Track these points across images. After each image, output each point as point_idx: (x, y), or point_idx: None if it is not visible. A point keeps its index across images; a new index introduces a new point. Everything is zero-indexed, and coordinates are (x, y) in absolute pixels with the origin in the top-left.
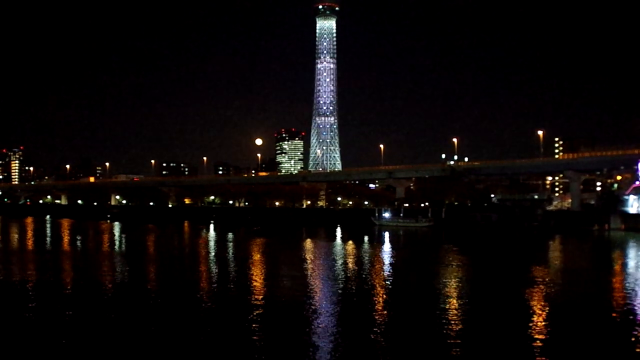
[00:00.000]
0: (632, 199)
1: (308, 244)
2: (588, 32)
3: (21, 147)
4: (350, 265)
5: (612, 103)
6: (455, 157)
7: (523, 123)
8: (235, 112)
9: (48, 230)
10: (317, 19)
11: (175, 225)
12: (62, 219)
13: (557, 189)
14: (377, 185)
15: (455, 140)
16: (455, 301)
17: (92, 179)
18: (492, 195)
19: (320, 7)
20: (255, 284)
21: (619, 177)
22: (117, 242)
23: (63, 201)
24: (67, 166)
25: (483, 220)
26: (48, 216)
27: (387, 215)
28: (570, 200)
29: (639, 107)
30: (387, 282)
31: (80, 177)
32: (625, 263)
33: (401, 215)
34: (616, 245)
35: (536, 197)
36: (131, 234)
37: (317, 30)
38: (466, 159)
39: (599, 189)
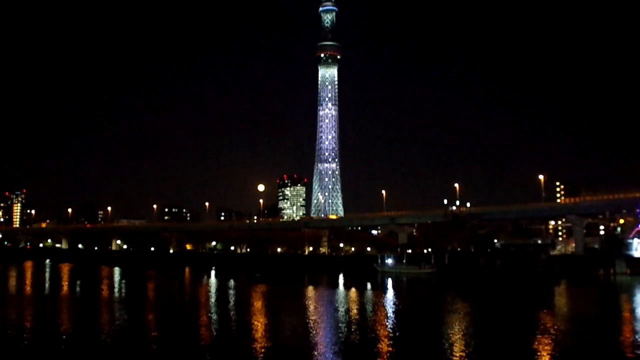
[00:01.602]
0: (636, 242)
1: (310, 291)
2: (588, 77)
3: (23, 191)
4: (353, 313)
5: (612, 146)
6: (457, 203)
7: (524, 168)
8: (238, 158)
9: (47, 275)
10: (319, 67)
11: (176, 271)
12: (62, 263)
13: (560, 233)
14: (379, 231)
15: (456, 185)
16: (461, 351)
17: (88, 225)
18: (495, 241)
19: (322, 55)
20: (256, 332)
21: (621, 221)
22: (117, 288)
23: (64, 245)
24: (69, 210)
25: (487, 266)
26: (48, 260)
27: (389, 261)
28: (573, 245)
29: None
30: (390, 331)
31: (82, 221)
32: (634, 309)
33: (404, 261)
34: (623, 290)
35: (539, 241)
36: (131, 280)
37: (319, 78)
38: (468, 205)
39: (602, 232)
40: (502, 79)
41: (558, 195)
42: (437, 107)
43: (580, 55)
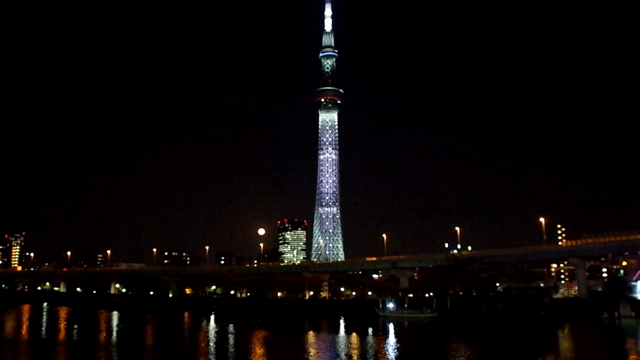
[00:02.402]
0: (639, 285)
1: (311, 336)
2: (589, 121)
3: (23, 233)
4: None
5: (613, 189)
6: (458, 246)
7: (525, 210)
8: (238, 202)
9: (44, 319)
10: (319, 112)
11: (176, 315)
12: (60, 307)
13: (562, 276)
14: (380, 275)
15: (457, 229)
16: None
17: (87, 268)
18: (497, 284)
19: (322, 100)
20: None
21: (624, 263)
22: (114, 333)
23: (62, 289)
24: (68, 253)
25: (489, 310)
26: (45, 304)
27: (391, 306)
28: (576, 288)
29: None
30: None
31: (81, 265)
32: None
33: (405, 305)
34: (629, 333)
35: (542, 285)
36: (130, 324)
37: (320, 123)
38: (469, 248)
39: (605, 275)
40: (503, 123)
41: (560, 237)
42: (438, 150)
43: (580, 97)
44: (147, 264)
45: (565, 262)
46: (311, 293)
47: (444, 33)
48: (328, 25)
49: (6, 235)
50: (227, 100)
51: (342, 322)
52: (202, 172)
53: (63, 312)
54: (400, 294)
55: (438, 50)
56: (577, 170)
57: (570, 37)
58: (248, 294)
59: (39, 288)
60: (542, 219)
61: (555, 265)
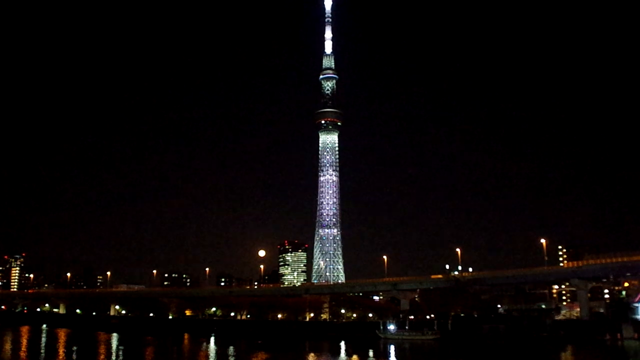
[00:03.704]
0: None
1: (312, 358)
2: (590, 139)
3: (23, 254)
4: None
5: (615, 209)
6: (459, 268)
7: (526, 231)
8: (239, 224)
9: (43, 341)
10: (319, 133)
11: (175, 337)
12: (59, 328)
13: (564, 297)
14: (381, 297)
15: (458, 250)
16: None
17: (87, 290)
18: (499, 306)
19: (323, 122)
20: None
21: (626, 284)
22: (114, 355)
23: (61, 310)
24: (68, 274)
25: (491, 331)
26: (44, 325)
27: (392, 328)
28: (578, 309)
29: None
30: None
31: (80, 286)
32: None
33: (406, 327)
34: (631, 355)
35: (543, 306)
36: (129, 346)
37: (320, 144)
38: (470, 269)
39: (607, 296)
40: (503, 142)
41: (561, 258)
42: (438, 172)
43: (580, 116)
44: (147, 286)
45: (567, 284)
46: (312, 315)
47: (446, 54)
48: (328, 47)
49: (6, 257)
50: (227, 123)
51: (342, 344)
52: (202, 194)
53: (62, 334)
54: (401, 315)
55: (440, 72)
56: (578, 191)
57: (577, 49)
58: (248, 316)
59: (38, 309)
60: (542, 240)
61: (556, 287)
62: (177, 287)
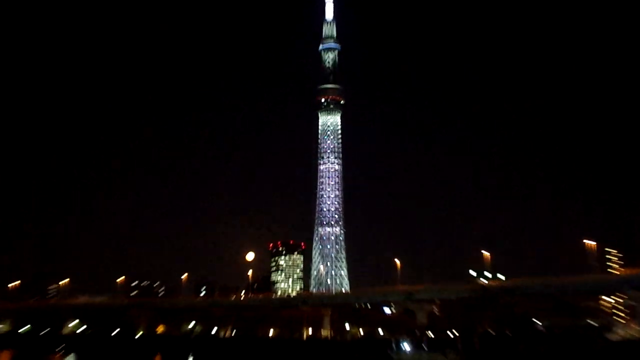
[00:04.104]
0: None
1: None
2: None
3: None
4: None
5: None
6: (488, 274)
7: (567, 231)
8: (222, 222)
9: None
10: (319, 114)
11: (145, 358)
12: (1, 350)
13: (619, 312)
14: (393, 309)
15: (486, 253)
16: None
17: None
18: (536, 321)
19: (323, 100)
20: None
21: None
22: None
23: (6, 327)
24: (14, 284)
25: (528, 352)
26: None
27: (406, 347)
28: (638, 328)
29: None
30: None
31: (30, 298)
32: None
33: (424, 347)
34: None
35: (592, 323)
36: None
37: (320, 127)
38: (500, 277)
39: None
40: (534, 128)
41: (612, 264)
42: (460, 159)
43: (628, 107)
44: (112, 296)
45: (625, 296)
46: (310, 331)
47: (472, 20)
48: (329, 12)
49: None
50: (202, 98)
51: None
52: (176, 185)
53: (4, 358)
54: (417, 332)
55: (459, 45)
56: (629, 185)
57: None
58: (234, 332)
59: None
60: (589, 242)
61: (608, 299)
62: (148, 297)
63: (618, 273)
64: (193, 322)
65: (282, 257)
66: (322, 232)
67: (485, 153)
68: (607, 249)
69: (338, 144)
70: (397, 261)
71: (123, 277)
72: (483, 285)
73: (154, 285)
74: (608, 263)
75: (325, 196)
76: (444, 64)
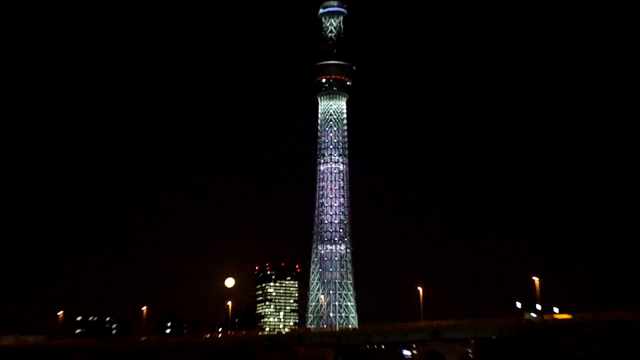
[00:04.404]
0: None
1: None
2: None
3: None
4: None
5: None
6: (538, 307)
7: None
8: (194, 239)
9: None
10: (319, 99)
11: None
12: None
13: None
14: (414, 351)
15: (535, 279)
16: None
17: None
18: None
19: (324, 81)
20: None
21: None
22: None
23: None
24: None
25: None
26: None
27: None
28: None
29: None
30: None
31: None
32: None
33: None
34: None
35: None
36: None
37: (319, 116)
38: (556, 310)
39: None
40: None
41: None
42: (498, 160)
43: None
44: (48, 336)
45: None
46: None
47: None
48: None
49: None
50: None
51: None
52: (136, 194)
53: None
54: None
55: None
56: None
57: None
58: None
59: None
60: None
61: None
62: (95, 337)
63: None
64: None
65: (272, 284)
66: (322, 251)
67: (531, 150)
68: None
69: (343, 137)
70: (420, 289)
71: (62, 311)
72: (532, 321)
73: (105, 321)
74: None
75: (326, 205)
76: (479, 35)
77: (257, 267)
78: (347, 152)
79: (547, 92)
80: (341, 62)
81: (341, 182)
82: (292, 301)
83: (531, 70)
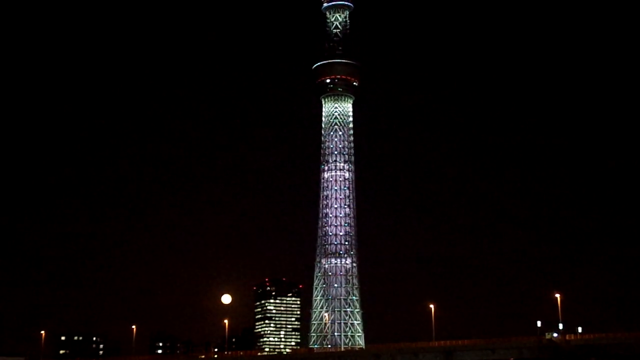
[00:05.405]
0: None
1: None
2: None
3: None
4: None
5: None
6: (560, 326)
7: None
8: (189, 253)
9: None
10: (323, 101)
11: None
12: None
13: None
14: None
15: (557, 296)
16: None
17: None
18: None
19: (328, 81)
20: None
21: None
22: None
23: None
24: None
25: None
26: None
27: None
28: None
29: None
30: None
31: None
32: None
33: None
34: None
35: None
36: None
37: (323, 118)
38: (579, 329)
39: None
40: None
41: None
42: (511, 166)
43: None
44: (30, 358)
45: None
46: None
47: None
48: None
49: None
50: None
51: None
52: (126, 202)
53: None
54: None
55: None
56: None
57: None
58: None
59: None
60: None
61: None
62: (81, 358)
63: None
64: None
65: (272, 301)
66: (326, 266)
67: (552, 152)
68: None
69: (349, 142)
70: (432, 306)
71: (43, 330)
72: (553, 341)
73: (92, 340)
74: None
75: (331, 215)
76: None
77: (256, 283)
78: (353, 158)
79: (561, 97)
80: (347, 61)
81: (347, 191)
82: (293, 319)
83: (550, 71)
